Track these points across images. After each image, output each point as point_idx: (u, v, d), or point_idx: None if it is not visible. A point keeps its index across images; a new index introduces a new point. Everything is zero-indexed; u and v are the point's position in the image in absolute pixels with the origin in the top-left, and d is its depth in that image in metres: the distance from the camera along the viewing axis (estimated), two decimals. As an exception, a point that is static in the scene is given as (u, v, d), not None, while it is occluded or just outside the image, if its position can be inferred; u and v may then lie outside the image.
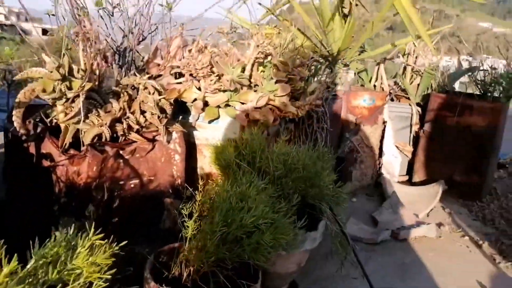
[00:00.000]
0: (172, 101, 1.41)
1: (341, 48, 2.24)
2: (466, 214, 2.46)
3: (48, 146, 1.22)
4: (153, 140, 1.35)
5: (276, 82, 1.71)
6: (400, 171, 2.88)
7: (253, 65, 1.63)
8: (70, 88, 1.19)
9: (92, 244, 0.68)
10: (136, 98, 1.36)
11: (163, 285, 0.89)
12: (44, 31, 1.80)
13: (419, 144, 2.81)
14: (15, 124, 1.23)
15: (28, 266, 0.61)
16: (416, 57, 2.97)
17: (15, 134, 1.28)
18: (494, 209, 2.52)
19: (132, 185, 1.29)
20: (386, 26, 2.72)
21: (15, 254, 0.58)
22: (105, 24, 1.49)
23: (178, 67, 1.53)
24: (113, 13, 1.55)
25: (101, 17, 1.55)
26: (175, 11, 1.66)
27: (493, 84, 2.53)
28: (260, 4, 2.52)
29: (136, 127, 1.28)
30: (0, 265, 0.56)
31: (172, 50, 1.60)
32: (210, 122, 1.57)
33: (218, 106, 1.54)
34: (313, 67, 2.17)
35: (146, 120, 1.32)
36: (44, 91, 1.17)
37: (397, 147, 2.84)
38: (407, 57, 2.95)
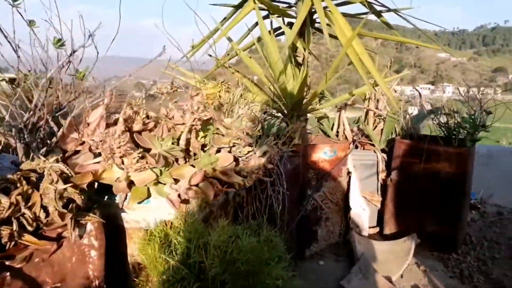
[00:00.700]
0: (85, 186, 1.17)
1: (295, 100, 2.08)
2: (442, 271, 2.26)
3: None
4: (58, 238, 1.09)
5: (219, 150, 1.50)
6: (370, 222, 2.68)
7: (190, 132, 1.43)
8: None
9: None
10: (40, 186, 1.11)
11: None
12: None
13: (387, 193, 2.64)
14: None
15: None
16: (378, 101, 2.87)
17: None
18: (471, 261, 2.35)
19: (29, 301, 1.02)
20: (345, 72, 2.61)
21: None
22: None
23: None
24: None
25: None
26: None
27: (457, 129, 2.42)
28: (210, 55, 2.35)
29: (30, 228, 1.02)
30: None
31: (93, 121, 1.37)
32: (139, 202, 1.33)
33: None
34: (266, 123, 1.99)
35: (48, 215, 1.07)
36: None
37: (365, 197, 2.67)
38: (368, 101, 2.84)
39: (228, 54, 2.27)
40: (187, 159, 1.49)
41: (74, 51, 1.27)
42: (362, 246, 2.33)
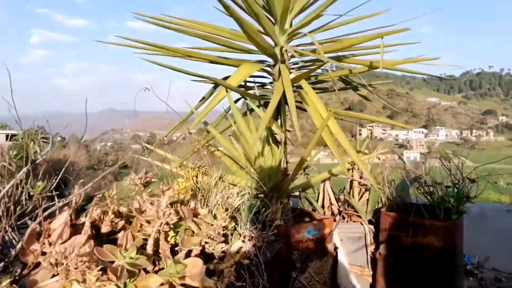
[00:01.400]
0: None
1: (273, 182, 2.06)
2: None
3: None
4: None
5: (188, 253, 1.44)
6: (362, 298, 2.56)
7: (157, 237, 1.38)
8: None
9: None
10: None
11: None
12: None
13: (377, 268, 2.55)
14: None
15: None
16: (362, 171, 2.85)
17: None
18: None
19: None
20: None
21: None
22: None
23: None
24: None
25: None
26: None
27: (441, 201, 2.39)
28: (188, 134, 2.36)
29: None
30: None
31: (55, 229, 1.32)
32: (103, 316, 1.25)
33: (112, 298, 1.24)
34: (244, 207, 1.94)
35: None
36: None
37: (355, 272, 2.57)
38: (352, 171, 2.82)
39: (208, 133, 2.27)
40: (158, 262, 1.43)
41: (34, 162, 1.25)
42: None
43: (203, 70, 2.56)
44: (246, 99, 2.12)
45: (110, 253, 1.22)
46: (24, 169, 1.23)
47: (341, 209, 2.78)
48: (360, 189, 2.86)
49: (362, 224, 2.68)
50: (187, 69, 1.95)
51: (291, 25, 2.20)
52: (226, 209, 1.76)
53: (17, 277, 1.15)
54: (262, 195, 2.15)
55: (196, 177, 2.04)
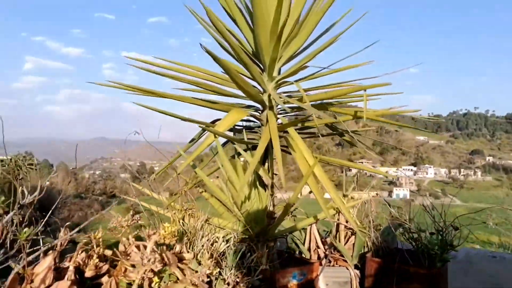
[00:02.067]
0: None
1: (259, 227, 2.08)
2: None
3: None
4: None
5: (171, 299, 1.44)
6: None
7: (141, 283, 1.38)
8: None
9: None
10: None
11: None
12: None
13: (363, 315, 2.53)
14: None
15: None
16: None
17: None
18: None
19: None
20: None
21: None
22: None
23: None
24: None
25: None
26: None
27: (425, 249, 2.41)
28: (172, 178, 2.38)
29: None
30: None
31: (39, 273, 1.32)
32: None
33: None
34: (230, 251, 1.95)
35: None
36: None
37: (340, 319, 2.54)
38: (338, 215, 2.85)
39: (196, 176, 2.30)
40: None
41: (21, 206, 1.27)
42: None
43: (193, 108, 2.64)
44: (234, 143, 2.17)
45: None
46: (11, 214, 1.24)
47: (327, 252, 2.78)
48: (347, 232, 2.87)
49: (348, 269, 2.68)
50: (178, 106, 2.02)
51: (279, 73, 2.30)
52: (211, 255, 1.77)
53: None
54: (248, 239, 2.16)
55: (183, 219, 2.06)
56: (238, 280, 1.81)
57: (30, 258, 1.30)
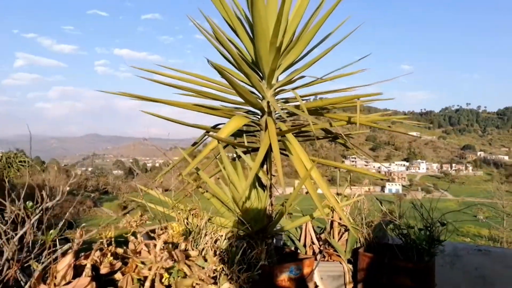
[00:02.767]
0: None
1: (259, 225, 2.21)
2: None
3: None
4: None
5: (180, 293, 1.57)
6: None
7: (153, 280, 1.51)
8: None
9: None
10: None
11: None
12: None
13: (355, 306, 2.69)
14: None
15: None
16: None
17: None
18: None
19: None
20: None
21: None
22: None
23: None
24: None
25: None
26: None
27: (414, 244, 2.57)
28: (177, 177, 2.51)
29: None
30: None
31: (59, 271, 1.44)
32: None
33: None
34: (231, 249, 2.08)
35: None
36: None
37: (333, 310, 2.70)
38: (333, 213, 3.00)
39: (196, 180, 2.43)
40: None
41: (47, 209, 1.39)
42: None
43: (194, 112, 2.76)
44: (235, 147, 2.30)
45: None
46: (36, 217, 1.36)
47: (321, 248, 2.94)
48: (340, 229, 3.03)
49: (341, 263, 2.84)
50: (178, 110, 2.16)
51: (277, 80, 2.43)
52: (215, 252, 1.90)
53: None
54: (248, 236, 2.30)
55: (187, 219, 2.19)
56: (239, 275, 1.94)
57: (53, 256, 1.42)
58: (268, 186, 2.45)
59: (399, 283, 2.52)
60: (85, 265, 1.54)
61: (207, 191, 2.51)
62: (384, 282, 2.56)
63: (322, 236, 3.08)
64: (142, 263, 1.68)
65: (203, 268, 1.68)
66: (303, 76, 2.21)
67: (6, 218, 1.38)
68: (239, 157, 2.39)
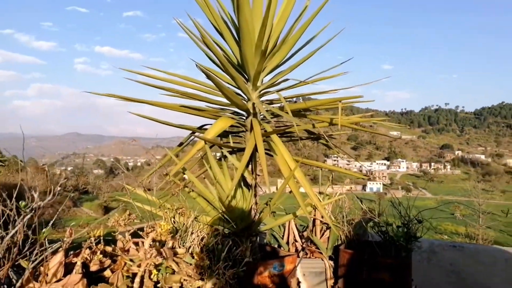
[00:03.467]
0: None
1: (244, 224, 2.28)
2: None
3: None
4: None
5: (169, 289, 1.63)
6: (322, 330, 2.77)
7: (142, 277, 1.56)
8: None
9: None
10: None
11: None
12: None
13: (336, 302, 2.79)
14: None
15: None
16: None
17: None
18: None
19: None
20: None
21: None
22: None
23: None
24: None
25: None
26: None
27: (392, 240, 2.68)
28: (165, 175, 2.55)
29: None
30: None
31: (50, 268, 1.48)
32: None
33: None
34: (217, 246, 2.14)
35: None
36: None
37: (315, 305, 2.79)
38: (315, 211, 3.09)
39: (184, 180, 2.47)
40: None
41: (39, 207, 1.42)
42: None
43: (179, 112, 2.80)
44: (221, 148, 2.36)
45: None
46: (27, 216, 1.39)
47: (304, 245, 3.03)
48: (322, 227, 3.12)
49: (323, 260, 2.93)
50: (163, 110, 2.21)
51: (262, 82, 2.50)
52: (202, 250, 1.96)
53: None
54: (233, 234, 2.37)
55: (174, 217, 2.24)
56: (225, 271, 2.01)
57: (44, 255, 1.45)
58: (253, 185, 2.52)
59: (378, 278, 2.62)
60: (75, 263, 1.58)
61: (193, 191, 2.57)
62: (364, 278, 2.66)
63: (305, 234, 3.17)
64: (131, 260, 1.73)
65: (191, 264, 1.73)
66: (287, 79, 2.29)
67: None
68: (224, 157, 2.45)
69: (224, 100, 2.38)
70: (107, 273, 1.69)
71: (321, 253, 2.97)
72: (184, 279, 1.66)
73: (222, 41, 2.39)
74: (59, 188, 1.49)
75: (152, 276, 1.66)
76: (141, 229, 1.92)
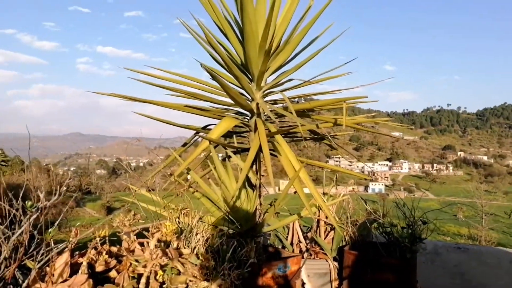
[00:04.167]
0: None
1: (249, 225, 2.28)
2: None
3: None
4: None
5: (174, 290, 1.62)
6: (327, 331, 2.76)
7: (148, 277, 1.56)
8: None
9: None
10: None
11: None
12: None
13: (341, 303, 2.78)
14: None
15: None
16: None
17: None
18: None
19: None
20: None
21: None
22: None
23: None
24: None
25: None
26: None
27: (396, 241, 2.67)
28: (169, 175, 2.55)
29: None
30: None
31: (57, 268, 1.48)
32: None
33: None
34: (222, 247, 2.14)
35: None
36: None
37: (320, 306, 2.78)
38: (319, 211, 3.08)
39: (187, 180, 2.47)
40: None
41: (44, 207, 1.42)
42: None
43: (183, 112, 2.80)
44: (226, 148, 2.36)
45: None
46: (33, 216, 1.39)
47: (308, 246, 3.02)
48: (326, 228, 3.11)
49: (327, 261, 2.92)
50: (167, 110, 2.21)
51: (266, 82, 2.49)
52: (207, 250, 1.96)
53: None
54: (238, 235, 2.36)
55: (178, 218, 2.23)
56: (230, 272, 2.00)
57: (50, 255, 1.45)
58: (258, 186, 2.51)
59: (383, 279, 2.61)
60: (81, 263, 1.58)
61: (197, 191, 2.56)
62: (369, 279, 2.65)
63: (309, 234, 3.16)
64: (136, 261, 1.72)
65: (196, 265, 1.73)
66: (291, 79, 2.28)
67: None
68: (228, 157, 2.45)
69: (228, 100, 2.38)
70: (113, 273, 1.69)
71: (325, 254, 2.96)
72: (190, 280, 1.66)
73: (226, 41, 2.39)
74: (64, 188, 1.48)
75: (157, 277, 1.65)
76: (146, 230, 1.92)
